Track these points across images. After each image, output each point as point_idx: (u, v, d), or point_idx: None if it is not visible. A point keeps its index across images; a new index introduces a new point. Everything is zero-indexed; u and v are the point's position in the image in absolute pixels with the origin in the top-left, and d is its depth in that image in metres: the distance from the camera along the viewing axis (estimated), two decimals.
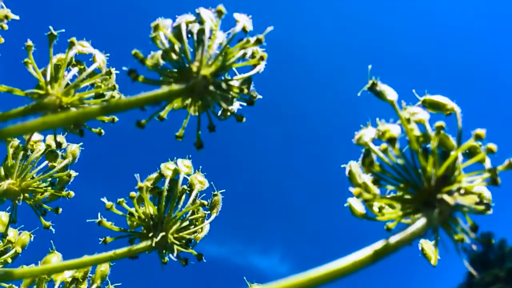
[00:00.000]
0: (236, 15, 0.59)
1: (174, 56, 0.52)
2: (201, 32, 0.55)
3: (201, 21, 0.56)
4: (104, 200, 0.63)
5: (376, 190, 0.52)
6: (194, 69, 0.50)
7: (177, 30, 0.55)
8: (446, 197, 0.46)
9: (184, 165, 0.69)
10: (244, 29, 0.57)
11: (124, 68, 0.53)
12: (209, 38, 0.55)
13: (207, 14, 0.56)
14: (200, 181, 0.70)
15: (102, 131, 0.64)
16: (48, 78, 0.58)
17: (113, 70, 0.62)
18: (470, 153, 0.54)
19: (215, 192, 0.74)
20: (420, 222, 0.44)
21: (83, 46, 0.64)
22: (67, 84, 0.60)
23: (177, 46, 0.53)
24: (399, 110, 0.51)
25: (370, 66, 0.55)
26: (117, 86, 0.61)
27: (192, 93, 0.50)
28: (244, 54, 0.56)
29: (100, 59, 0.65)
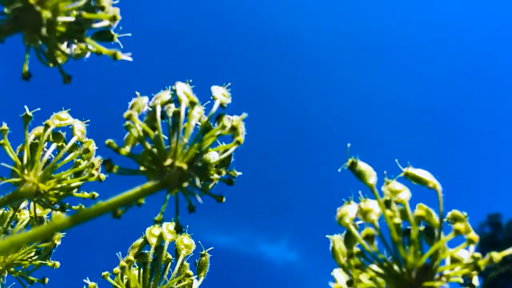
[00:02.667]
0: (214, 90, 0.58)
1: (148, 145, 0.52)
2: (176, 114, 0.54)
3: (177, 100, 0.55)
4: (87, 280, 0.63)
5: (360, 274, 0.51)
6: (168, 162, 0.49)
7: (152, 113, 0.54)
8: None
9: (169, 230, 0.68)
10: (221, 105, 0.56)
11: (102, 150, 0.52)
12: (186, 116, 0.54)
13: (183, 91, 0.55)
14: (186, 245, 0.69)
15: (84, 207, 0.63)
16: (25, 161, 0.57)
17: (92, 146, 0.61)
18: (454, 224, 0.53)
19: (203, 252, 0.73)
20: None
21: (61, 119, 0.63)
22: (46, 162, 0.59)
23: (151, 135, 0.52)
24: (379, 196, 0.50)
25: (349, 145, 0.54)
26: (96, 163, 0.60)
27: (167, 186, 0.49)
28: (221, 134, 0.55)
29: (79, 131, 0.64)
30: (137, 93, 0.57)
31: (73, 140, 0.62)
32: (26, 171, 0.56)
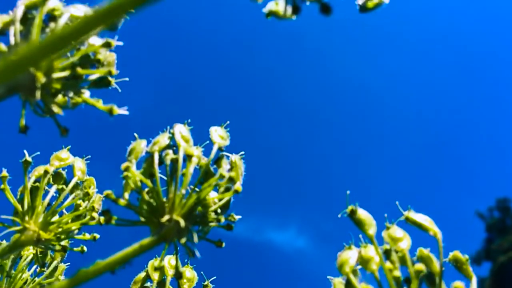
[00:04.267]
0: (212, 133, 0.57)
1: (146, 196, 0.51)
2: (174, 161, 0.54)
3: (176, 144, 0.55)
4: None
5: None
6: (166, 218, 0.49)
7: (150, 160, 0.54)
8: None
9: (170, 265, 0.69)
10: (220, 149, 0.56)
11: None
12: (184, 161, 0.54)
13: (181, 135, 0.55)
14: (188, 278, 0.70)
15: (85, 248, 0.64)
16: (25, 207, 0.57)
17: (92, 189, 0.61)
18: (456, 267, 0.54)
19: (206, 283, 0.73)
20: None
21: (61, 160, 0.63)
22: (47, 205, 0.60)
23: (149, 186, 0.52)
24: (379, 247, 0.50)
25: (348, 192, 0.54)
26: (96, 207, 0.61)
27: (165, 240, 0.49)
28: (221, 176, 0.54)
29: (79, 170, 0.64)
30: (136, 135, 0.57)
31: (73, 182, 0.62)
32: (26, 218, 0.57)
